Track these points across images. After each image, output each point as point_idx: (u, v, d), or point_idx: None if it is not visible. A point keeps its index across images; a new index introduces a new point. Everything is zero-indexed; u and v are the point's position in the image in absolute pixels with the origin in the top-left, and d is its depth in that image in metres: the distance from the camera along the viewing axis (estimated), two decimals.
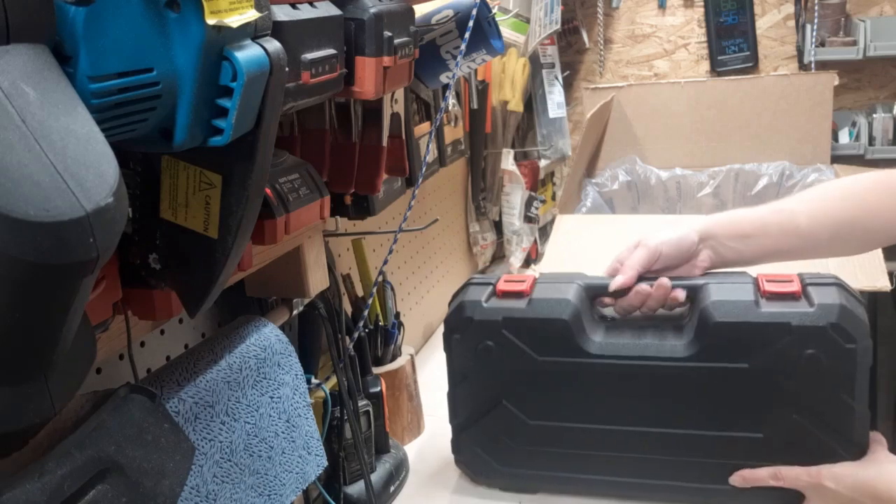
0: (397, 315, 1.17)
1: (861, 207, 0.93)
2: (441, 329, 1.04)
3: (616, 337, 0.94)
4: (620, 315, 0.97)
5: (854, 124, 2.12)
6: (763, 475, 0.89)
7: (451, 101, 1.45)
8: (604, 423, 0.95)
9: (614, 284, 0.94)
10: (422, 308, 1.50)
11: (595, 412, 0.95)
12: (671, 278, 0.93)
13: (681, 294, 0.92)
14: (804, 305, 0.86)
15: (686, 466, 0.93)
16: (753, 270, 0.96)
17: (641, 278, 0.93)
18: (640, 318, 0.96)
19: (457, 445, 1.04)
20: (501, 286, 0.98)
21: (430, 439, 1.18)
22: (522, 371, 0.96)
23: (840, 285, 0.88)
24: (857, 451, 0.87)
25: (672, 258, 0.93)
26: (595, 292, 0.97)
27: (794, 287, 0.88)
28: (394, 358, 1.17)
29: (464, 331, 0.98)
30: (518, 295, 0.96)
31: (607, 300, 0.97)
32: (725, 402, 0.90)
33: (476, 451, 1.02)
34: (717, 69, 2.25)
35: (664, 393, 0.92)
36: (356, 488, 0.98)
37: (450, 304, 1.02)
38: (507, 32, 1.67)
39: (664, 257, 0.93)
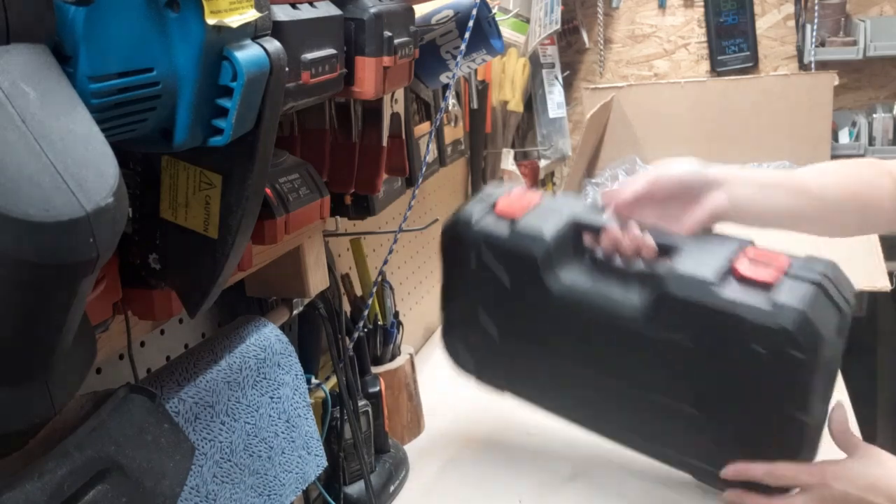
0: (396, 314, 1.17)
1: (860, 183, 0.93)
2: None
3: (583, 282, 0.93)
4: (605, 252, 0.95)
5: (854, 124, 2.12)
6: (758, 472, 0.85)
7: (451, 101, 1.45)
8: (561, 355, 0.97)
9: (606, 196, 0.93)
10: (421, 308, 1.50)
11: (555, 343, 0.97)
12: (659, 232, 0.90)
13: (651, 242, 0.89)
14: (765, 301, 0.80)
15: (630, 413, 0.94)
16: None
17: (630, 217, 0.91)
18: (618, 264, 0.93)
19: (444, 332, 1.08)
20: (501, 204, 0.99)
21: (429, 439, 1.18)
22: (497, 292, 0.98)
23: (820, 286, 0.82)
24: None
25: (675, 191, 0.90)
26: (582, 229, 0.95)
27: (770, 275, 0.82)
28: (393, 357, 1.17)
29: (453, 241, 1.01)
30: (509, 218, 0.98)
31: (587, 239, 0.96)
32: (670, 372, 0.88)
33: (459, 345, 1.06)
34: (717, 69, 2.26)
35: (616, 345, 0.92)
36: (356, 488, 0.98)
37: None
38: (507, 32, 1.67)
39: (665, 189, 0.90)
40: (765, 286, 0.81)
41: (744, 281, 0.83)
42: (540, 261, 0.93)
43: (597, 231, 0.93)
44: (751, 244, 0.89)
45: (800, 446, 0.83)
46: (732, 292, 0.82)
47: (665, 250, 0.89)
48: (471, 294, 1.02)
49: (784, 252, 0.88)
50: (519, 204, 0.99)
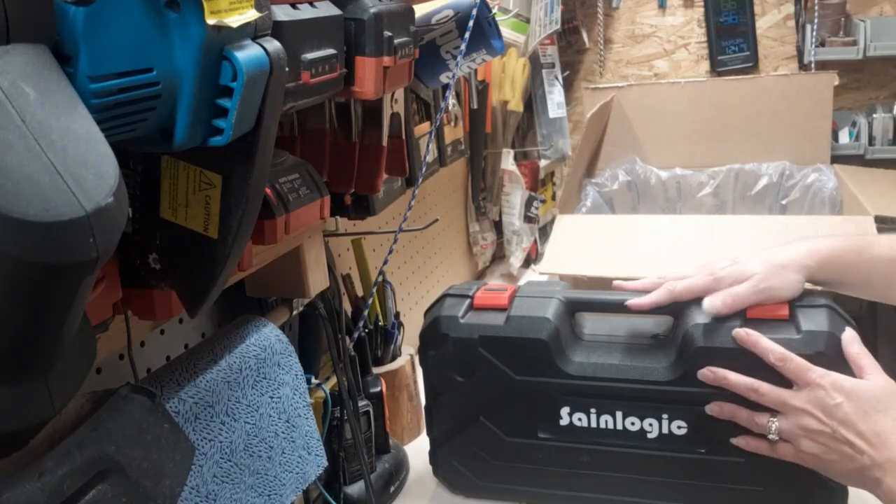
0: (397, 315, 1.17)
1: None
2: None
3: (595, 357, 0.92)
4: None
5: (854, 124, 2.12)
6: (740, 384, 0.83)
7: (451, 101, 1.45)
8: (582, 441, 0.93)
9: (637, 304, 0.89)
10: (422, 308, 1.49)
11: (573, 430, 0.93)
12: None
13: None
14: (790, 331, 0.83)
15: (665, 487, 0.91)
16: None
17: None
18: (619, 337, 0.94)
19: (434, 458, 1.03)
20: (479, 299, 0.96)
21: None
22: (499, 389, 0.94)
23: (830, 308, 0.85)
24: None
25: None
26: (576, 307, 0.95)
27: (782, 311, 0.85)
28: (394, 358, 1.17)
29: (439, 347, 0.96)
30: (496, 310, 0.94)
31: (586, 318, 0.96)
32: (707, 426, 0.88)
33: (453, 464, 1.01)
34: (717, 69, 2.25)
35: (643, 414, 0.90)
36: (356, 488, 0.98)
37: (425, 316, 1.00)
38: (507, 32, 1.67)
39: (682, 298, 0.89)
40: (782, 320, 0.84)
41: (761, 321, 0.85)
42: (549, 342, 0.90)
43: (594, 308, 0.94)
44: None
45: None
46: (756, 329, 0.84)
47: (672, 313, 0.91)
48: (467, 403, 0.96)
49: None
50: (499, 296, 0.96)
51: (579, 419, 0.93)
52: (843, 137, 2.12)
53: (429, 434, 1.03)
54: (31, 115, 0.35)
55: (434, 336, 0.96)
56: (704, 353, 0.85)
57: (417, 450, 1.14)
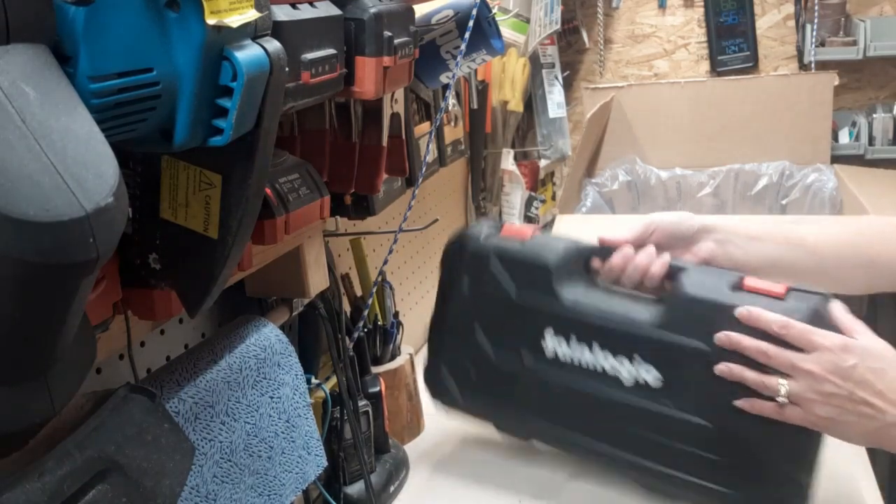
0: (396, 314, 1.17)
1: (863, 238, 0.93)
2: None
3: (592, 295, 0.95)
4: (607, 281, 0.97)
5: (854, 124, 2.12)
6: (750, 347, 0.82)
7: (451, 101, 1.45)
8: (563, 377, 0.95)
9: (603, 239, 0.95)
10: (421, 308, 1.50)
11: (556, 364, 0.95)
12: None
13: (657, 269, 0.91)
14: (778, 304, 0.84)
15: (632, 439, 0.92)
16: None
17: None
18: (624, 289, 0.96)
19: (428, 368, 1.07)
20: (506, 230, 1.02)
21: (429, 439, 1.18)
22: (499, 306, 0.98)
23: (824, 295, 0.85)
24: (807, 466, 0.84)
25: (668, 237, 0.93)
26: (588, 253, 0.98)
27: (779, 290, 0.86)
28: (393, 357, 1.17)
29: (458, 253, 1.02)
30: (517, 236, 1.00)
31: (595, 264, 0.97)
32: (681, 380, 0.88)
33: (442, 375, 1.05)
34: (717, 69, 2.26)
35: (624, 356, 0.91)
36: (356, 488, 0.98)
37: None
38: (507, 32, 1.67)
39: (659, 232, 0.93)
40: (777, 297, 0.85)
41: (756, 292, 0.86)
42: (554, 269, 0.95)
43: (603, 255, 0.96)
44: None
45: (806, 443, 0.84)
46: (747, 298, 0.85)
47: (671, 273, 0.92)
48: (468, 312, 1.01)
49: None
50: (523, 230, 1.02)
51: (564, 354, 0.95)
52: (843, 137, 2.12)
53: (428, 343, 1.08)
54: (31, 115, 0.35)
55: (457, 248, 1.03)
56: (692, 302, 0.87)
57: (417, 450, 1.14)
